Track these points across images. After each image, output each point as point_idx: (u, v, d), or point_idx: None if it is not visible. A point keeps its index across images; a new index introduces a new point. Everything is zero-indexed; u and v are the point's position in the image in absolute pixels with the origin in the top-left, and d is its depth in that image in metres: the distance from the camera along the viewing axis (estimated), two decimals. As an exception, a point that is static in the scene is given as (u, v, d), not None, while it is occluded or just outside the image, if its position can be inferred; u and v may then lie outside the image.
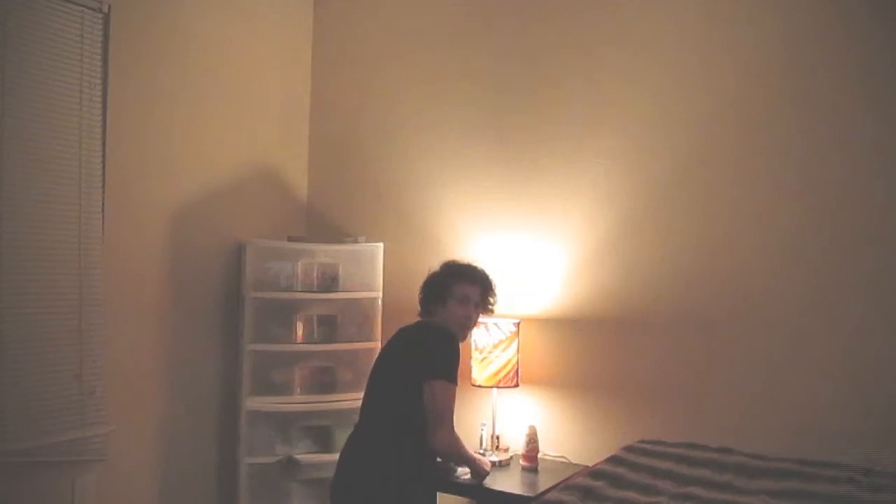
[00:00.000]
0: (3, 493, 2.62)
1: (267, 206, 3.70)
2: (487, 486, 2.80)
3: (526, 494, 2.68)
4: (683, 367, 2.90)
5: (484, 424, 3.14)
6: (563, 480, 2.48)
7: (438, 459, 2.67)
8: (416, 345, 2.56)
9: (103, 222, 2.91)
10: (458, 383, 2.53)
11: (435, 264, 2.88)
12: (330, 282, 3.46)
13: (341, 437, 2.76)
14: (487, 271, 2.78)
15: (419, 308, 2.78)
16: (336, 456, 2.61)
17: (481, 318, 3.10)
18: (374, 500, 2.42)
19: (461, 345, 2.63)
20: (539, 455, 3.03)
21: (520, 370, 3.12)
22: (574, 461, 3.06)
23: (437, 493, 2.88)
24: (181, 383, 3.29)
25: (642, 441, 2.70)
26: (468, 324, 2.67)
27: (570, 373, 3.15)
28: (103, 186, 2.91)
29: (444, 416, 2.43)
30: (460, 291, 2.64)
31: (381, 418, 2.51)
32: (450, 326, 2.62)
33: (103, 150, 2.91)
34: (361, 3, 3.84)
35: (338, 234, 3.67)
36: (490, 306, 2.77)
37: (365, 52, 3.80)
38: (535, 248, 3.26)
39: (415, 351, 2.53)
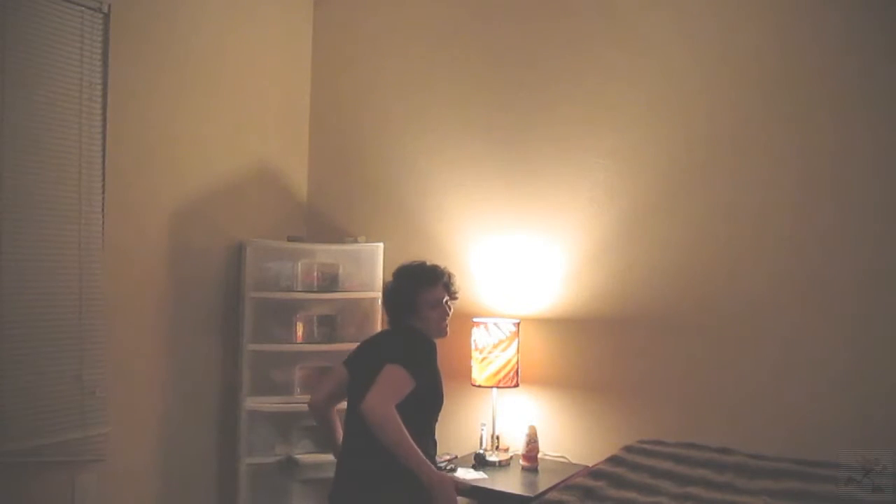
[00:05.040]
0: (3, 493, 2.62)
1: (267, 206, 3.70)
2: (487, 486, 2.80)
3: (526, 494, 2.68)
4: (683, 368, 2.91)
5: (484, 424, 3.14)
6: (563, 480, 2.49)
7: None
8: (387, 348, 2.49)
9: (103, 222, 2.91)
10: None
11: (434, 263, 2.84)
12: (330, 282, 3.46)
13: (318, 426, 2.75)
14: (441, 266, 2.69)
15: (388, 318, 2.68)
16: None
17: (481, 319, 3.16)
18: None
19: (447, 341, 2.62)
20: (539, 455, 3.03)
21: (520, 370, 3.12)
22: (574, 461, 3.06)
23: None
24: (181, 383, 3.28)
25: (642, 441, 2.70)
26: (444, 321, 2.62)
27: (570, 373, 3.15)
28: (103, 186, 2.91)
29: (383, 385, 2.28)
30: (430, 298, 2.58)
31: (363, 427, 2.35)
32: (429, 332, 2.56)
33: (103, 150, 2.91)
34: (361, 4, 3.84)
35: (338, 234, 3.67)
36: (455, 296, 2.75)
37: (365, 53, 3.80)
38: (535, 248, 3.26)
39: (384, 355, 2.44)
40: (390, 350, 2.43)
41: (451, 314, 2.66)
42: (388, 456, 2.24)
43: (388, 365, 2.34)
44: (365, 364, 2.47)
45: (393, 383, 2.31)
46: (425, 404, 2.44)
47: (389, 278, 2.67)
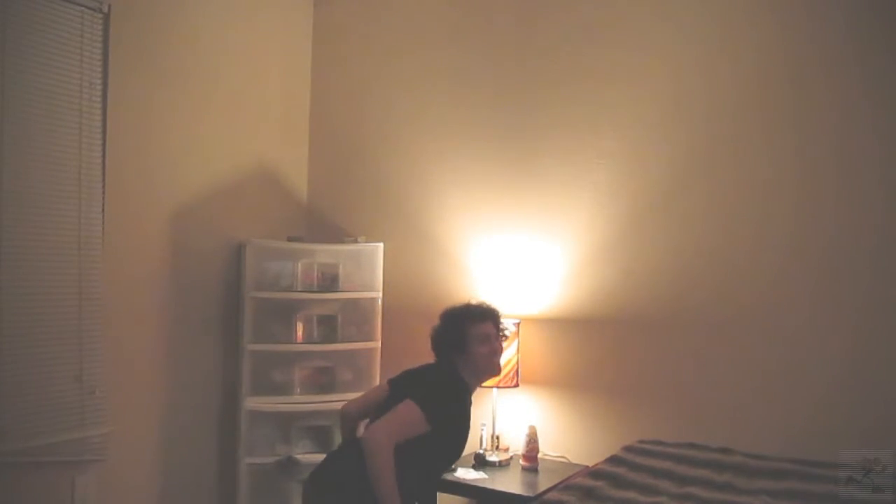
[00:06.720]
0: (3, 493, 2.62)
1: (267, 206, 3.70)
2: (487, 486, 2.80)
3: (526, 494, 2.68)
4: (683, 367, 2.90)
5: (484, 424, 3.14)
6: (563, 480, 2.49)
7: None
8: (424, 379, 2.49)
9: (103, 222, 2.91)
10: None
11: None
12: (330, 282, 3.46)
13: (341, 437, 2.74)
14: (487, 302, 2.67)
15: (436, 358, 2.61)
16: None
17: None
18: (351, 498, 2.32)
19: (494, 381, 2.60)
20: (539, 455, 3.03)
21: (520, 370, 3.12)
22: (574, 461, 3.06)
23: (437, 493, 2.89)
24: (181, 383, 3.28)
25: (642, 441, 2.70)
26: (496, 358, 2.59)
27: (570, 373, 3.15)
28: (103, 186, 2.91)
29: (392, 419, 2.27)
30: (479, 333, 2.54)
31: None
32: (478, 371, 2.54)
33: (103, 150, 2.91)
34: (361, 3, 3.83)
35: (338, 234, 3.67)
36: (505, 333, 2.71)
37: (365, 52, 3.79)
38: (535, 248, 3.26)
39: (418, 383, 2.46)
40: (419, 385, 2.41)
41: (500, 352, 2.61)
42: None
43: (408, 400, 2.31)
44: (399, 389, 2.45)
45: (403, 420, 2.28)
46: (438, 453, 2.41)
47: (437, 322, 2.61)
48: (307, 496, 2.43)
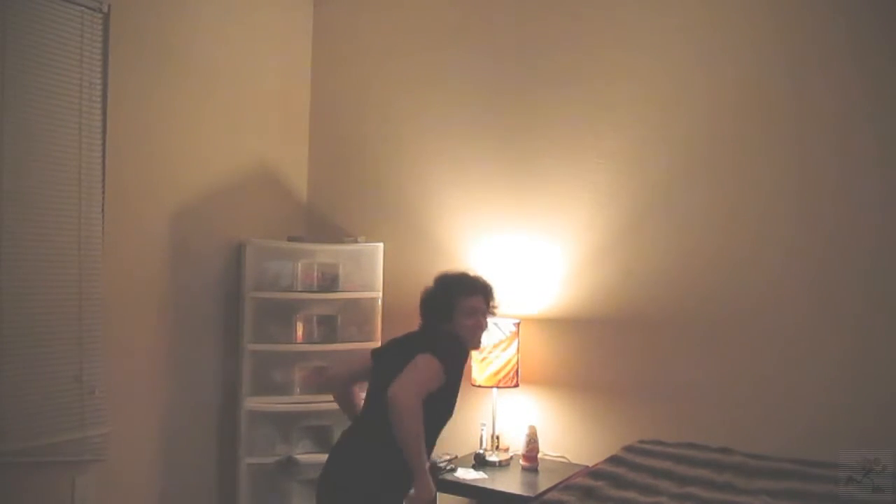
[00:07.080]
0: (3, 493, 2.62)
1: (267, 206, 3.70)
2: (487, 486, 2.80)
3: (526, 494, 2.68)
4: (683, 367, 2.90)
5: (484, 424, 3.14)
6: (563, 480, 2.49)
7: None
8: (420, 344, 2.45)
9: (103, 222, 2.91)
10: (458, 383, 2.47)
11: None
12: (330, 282, 3.46)
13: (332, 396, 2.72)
14: (483, 276, 2.66)
15: (422, 322, 2.61)
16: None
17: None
18: (360, 496, 2.34)
19: (473, 353, 2.59)
20: (539, 455, 3.03)
21: (520, 370, 3.12)
22: (574, 461, 3.06)
23: (438, 494, 2.88)
24: (181, 383, 3.29)
25: (642, 441, 2.70)
26: (479, 333, 2.58)
27: (570, 373, 3.15)
28: (103, 186, 2.91)
29: (415, 374, 2.24)
30: (467, 305, 2.53)
31: (375, 413, 2.37)
32: (461, 337, 2.53)
33: (103, 150, 2.91)
34: (361, 4, 3.83)
35: (338, 234, 3.67)
36: (494, 310, 2.73)
37: (365, 53, 3.79)
38: (535, 248, 3.26)
39: (418, 348, 2.41)
40: (426, 343, 2.39)
41: (485, 327, 2.60)
42: (388, 456, 2.22)
43: (425, 354, 2.29)
44: (394, 356, 2.41)
45: (426, 375, 2.27)
46: (444, 405, 2.40)
47: (430, 284, 2.62)
48: (320, 498, 2.43)
